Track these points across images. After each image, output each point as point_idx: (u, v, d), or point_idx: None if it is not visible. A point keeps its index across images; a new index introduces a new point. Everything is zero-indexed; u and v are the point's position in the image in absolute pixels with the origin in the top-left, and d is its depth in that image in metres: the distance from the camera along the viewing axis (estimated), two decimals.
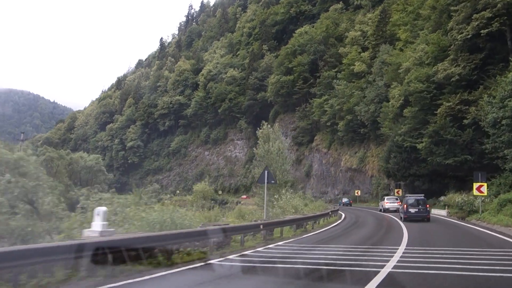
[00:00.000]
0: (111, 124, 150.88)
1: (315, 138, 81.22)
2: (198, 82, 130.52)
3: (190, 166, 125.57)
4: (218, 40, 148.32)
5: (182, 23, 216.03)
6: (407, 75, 41.98)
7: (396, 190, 47.60)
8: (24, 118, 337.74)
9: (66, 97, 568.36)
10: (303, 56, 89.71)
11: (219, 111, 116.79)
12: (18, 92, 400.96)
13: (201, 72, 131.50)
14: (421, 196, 27.88)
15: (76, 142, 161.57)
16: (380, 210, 40.42)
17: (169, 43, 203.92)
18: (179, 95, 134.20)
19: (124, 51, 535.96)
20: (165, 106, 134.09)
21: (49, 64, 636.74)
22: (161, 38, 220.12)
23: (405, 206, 26.03)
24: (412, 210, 25.39)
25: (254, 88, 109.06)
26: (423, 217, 25.17)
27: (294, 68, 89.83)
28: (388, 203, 39.37)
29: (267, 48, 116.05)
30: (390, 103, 46.16)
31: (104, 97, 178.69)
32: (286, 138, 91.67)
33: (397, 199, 39.69)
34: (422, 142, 36.71)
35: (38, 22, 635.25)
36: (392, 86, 47.12)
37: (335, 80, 73.46)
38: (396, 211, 34.82)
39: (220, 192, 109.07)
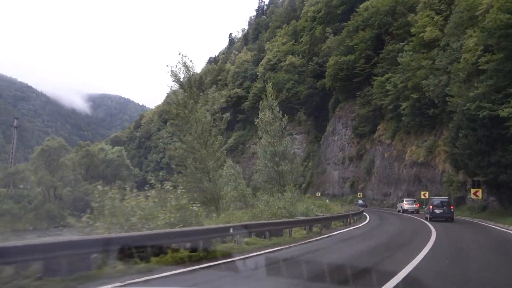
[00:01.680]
0: (172, 120, 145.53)
1: (378, 127, 66.14)
2: (257, 73, 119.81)
3: (247, 163, 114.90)
4: (282, 28, 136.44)
5: (252, 17, 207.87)
6: (487, 14, 27.15)
7: (473, 191, 32.21)
8: (115, 121, 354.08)
9: (152, 100, 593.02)
10: (366, 31, 75.04)
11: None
12: (111, 96, 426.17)
13: (261, 62, 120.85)
14: (446, 198, 30.15)
15: (140, 140, 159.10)
16: (399, 211, 41.58)
17: (239, 38, 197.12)
18: (238, 88, 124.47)
19: (202, 52, 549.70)
20: (223, 99, 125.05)
21: (138, 69, 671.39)
22: (230, 34, 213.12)
23: (430, 207, 27.74)
24: (437, 211, 27.18)
25: (314, 75, 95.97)
26: (447, 217, 26.73)
27: (355, 46, 75.41)
28: (407, 204, 41.24)
29: (331, 31, 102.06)
30: (462, 58, 31.19)
31: (169, 94, 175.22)
32: (346, 130, 77.58)
33: (415, 201, 41.84)
34: (509, 107, 21.89)
35: (126, 31, 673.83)
36: (465, 36, 31.99)
37: (400, 54, 58.39)
38: (414, 212, 38.51)
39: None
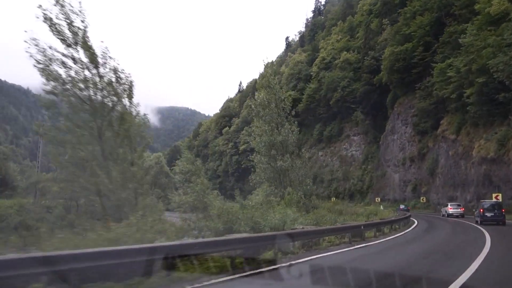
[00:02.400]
0: (226, 128, 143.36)
1: (441, 122, 57.90)
2: (311, 73, 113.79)
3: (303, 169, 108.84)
4: (337, 25, 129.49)
5: (309, 18, 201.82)
6: None
7: None
8: (183, 132, 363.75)
9: (216, 109, 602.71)
10: (424, 16, 67.05)
11: (331, 103, 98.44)
12: (178, 108, 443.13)
13: (315, 62, 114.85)
14: (496, 201, 30.92)
15: (198, 149, 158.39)
16: (443, 215, 41.32)
17: (296, 41, 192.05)
18: (291, 90, 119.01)
19: (262, 58, 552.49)
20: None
21: (202, 80, 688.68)
22: (287, 37, 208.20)
23: (481, 210, 27.64)
24: (488, 214, 27.01)
25: (370, 71, 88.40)
26: (499, 221, 26.44)
27: (413, 34, 67.52)
28: (452, 208, 40.55)
29: (387, 22, 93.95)
30: None
31: (227, 102, 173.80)
32: (406, 127, 69.68)
33: (459, 205, 41.56)
34: None
35: (190, 44, 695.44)
36: None
37: (463, 35, 50.40)
38: (458, 216, 38.38)
39: (333, 199, 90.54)
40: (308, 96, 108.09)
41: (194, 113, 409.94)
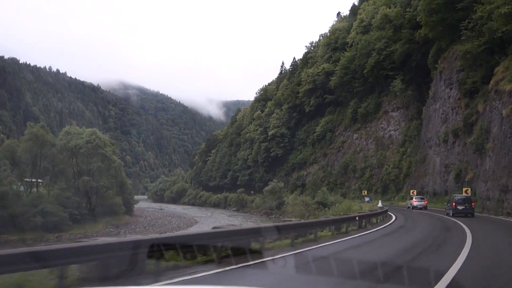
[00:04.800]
0: (258, 112, 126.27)
1: (495, 70, 36.96)
2: (348, 41, 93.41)
3: (336, 156, 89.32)
4: None
5: None
6: None
7: None
8: None
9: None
10: None
11: (365, 71, 78.10)
12: (244, 102, 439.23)
13: (352, 27, 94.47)
14: (467, 195, 32.11)
15: (231, 137, 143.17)
16: (408, 208, 44.34)
17: (346, 15, 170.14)
18: (326, 63, 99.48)
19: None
20: (309, 79, 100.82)
21: (264, 72, 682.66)
22: (338, 13, 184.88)
23: (453, 204, 29.74)
24: (460, 207, 29.28)
25: (412, 26, 67.24)
26: (468, 213, 28.77)
27: None
28: (416, 201, 44.16)
29: None
30: None
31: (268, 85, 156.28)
32: (451, 90, 48.84)
33: (423, 198, 45.34)
34: None
35: (249, 38, 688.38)
36: None
37: None
38: (422, 208, 41.80)
39: (364, 192, 70.75)
40: (342, 67, 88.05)
41: None
